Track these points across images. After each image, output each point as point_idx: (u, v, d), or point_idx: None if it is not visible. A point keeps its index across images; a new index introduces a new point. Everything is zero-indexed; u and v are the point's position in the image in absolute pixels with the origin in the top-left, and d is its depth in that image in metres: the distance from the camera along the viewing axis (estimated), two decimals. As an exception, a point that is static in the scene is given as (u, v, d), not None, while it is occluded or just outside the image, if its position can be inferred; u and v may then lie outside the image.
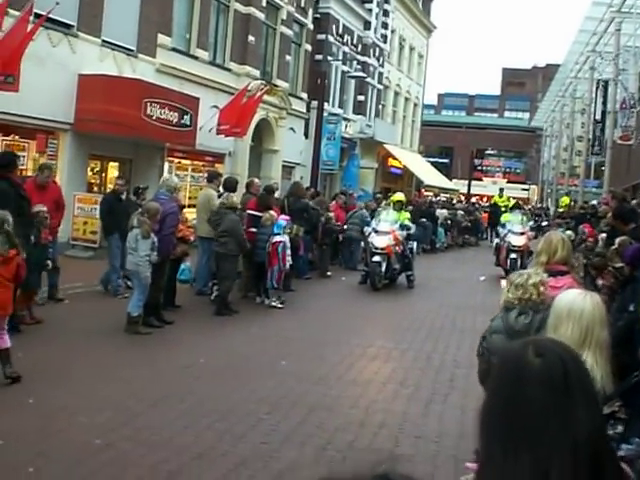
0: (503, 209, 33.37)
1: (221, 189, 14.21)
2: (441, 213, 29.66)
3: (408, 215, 18.80)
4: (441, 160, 71.72)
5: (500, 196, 37.41)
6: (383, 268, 16.41)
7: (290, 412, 7.25)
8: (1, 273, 7.43)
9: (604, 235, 13.50)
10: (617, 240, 8.52)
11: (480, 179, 70.60)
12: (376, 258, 16.36)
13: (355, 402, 7.76)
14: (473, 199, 48.36)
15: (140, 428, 6.47)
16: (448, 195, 48.66)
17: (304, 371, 8.93)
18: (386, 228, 16.76)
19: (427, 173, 49.29)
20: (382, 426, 7.04)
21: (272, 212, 13.68)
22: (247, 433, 6.55)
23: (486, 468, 1.79)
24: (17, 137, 16.95)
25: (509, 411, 1.75)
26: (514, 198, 37.29)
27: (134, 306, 10.25)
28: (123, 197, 13.65)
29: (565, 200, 38.02)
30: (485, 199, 55.58)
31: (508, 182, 77.47)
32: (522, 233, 20.26)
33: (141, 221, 10.16)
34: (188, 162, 23.50)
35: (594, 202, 24.58)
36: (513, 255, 19.55)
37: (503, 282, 17.47)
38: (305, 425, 6.90)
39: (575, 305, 3.65)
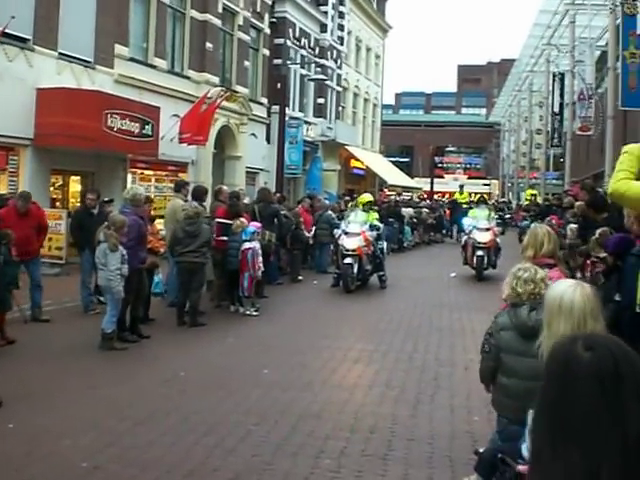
0: (465, 206, 33.59)
1: (189, 198, 14.02)
2: (407, 212, 29.69)
3: (377, 215, 18.80)
4: (402, 159, 72.11)
5: (460, 193, 37.87)
6: (355, 270, 16.31)
7: (279, 422, 7.12)
8: None
9: (573, 226, 13.57)
10: (598, 230, 8.50)
11: (441, 176, 70.92)
12: (347, 260, 16.26)
13: (343, 407, 7.65)
14: (435, 196, 48.52)
15: (127, 448, 6.29)
16: (410, 194, 48.85)
17: (287, 379, 8.79)
18: (356, 229, 16.67)
19: (389, 173, 49.43)
20: (373, 430, 6.93)
21: (243, 219, 13.52)
22: (237, 446, 6.40)
23: (535, 467, 1.76)
24: (-24, 155, 16.63)
25: (558, 407, 1.71)
26: (476, 194, 37.57)
27: (107, 322, 10.04)
28: (94, 211, 13.32)
29: (529, 192, 38.38)
30: (447, 196, 55.82)
31: (469, 178, 78.16)
32: (488, 229, 19.42)
33: (107, 234, 9.94)
34: (151, 172, 23.21)
35: (563, 194, 24.62)
36: (479, 252, 18.81)
37: (452, 274, 17.91)
38: (295, 434, 6.76)
39: (565, 299, 3.55)
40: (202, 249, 12.03)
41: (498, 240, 19.59)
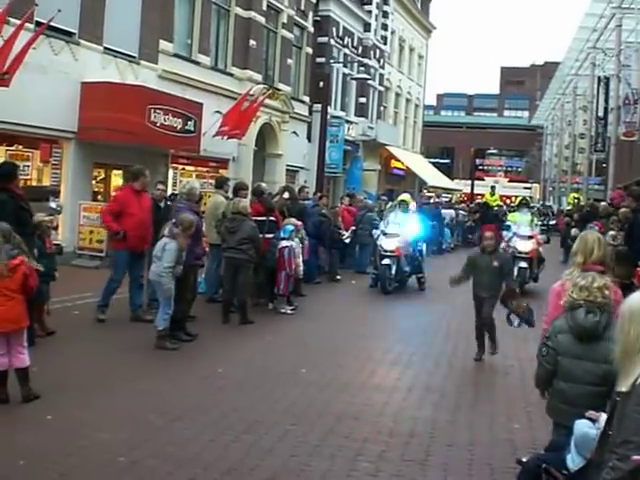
0: (495, 209, 32.41)
1: (230, 194, 13.97)
2: (447, 213, 29.46)
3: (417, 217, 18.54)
4: (442, 161, 71.68)
5: (492, 194, 34.79)
6: (393, 271, 16.14)
7: (316, 422, 7.04)
8: (6, 285, 7.01)
9: (613, 232, 13.37)
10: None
11: (482, 179, 70.37)
12: (385, 261, 16.13)
13: (382, 410, 7.55)
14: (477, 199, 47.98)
15: (165, 443, 6.25)
16: (450, 195, 48.56)
17: (325, 379, 8.72)
18: (394, 230, 16.51)
19: (429, 174, 49.22)
20: (412, 435, 6.83)
21: (293, 219, 13.59)
22: (275, 446, 6.33)
23: None
24: (21, 147, 16.80)
25: None
26: (516, 197, 36.40)
27: (160, 319, 9.82)
28: (162, 205, 12.83)
29: (572, 196, 37.76)
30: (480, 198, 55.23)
31: (510, 181, 77.56)
32: (530, 237, 17.31)
33: (176, 234, 9.74)
34: (192, 168, 23.33)
35: (603, 202, 24.08)
36: (521, 264, 16.56)
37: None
38: (333, 435, 6.68)
39: (635, 307, 3.54)
40: (242, 246, 11.86)
41: (541, 250, 17.76)
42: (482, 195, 57.34)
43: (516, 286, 11.07)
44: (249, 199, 14.17)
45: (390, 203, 21.40)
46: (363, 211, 20.46)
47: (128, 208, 11.28)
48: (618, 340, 3.56)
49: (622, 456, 3.31)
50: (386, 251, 16.17)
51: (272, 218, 13.55)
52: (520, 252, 16.76)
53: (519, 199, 23.36)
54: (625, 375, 3.46)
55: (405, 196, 18.61)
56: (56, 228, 13.21)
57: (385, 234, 16.52)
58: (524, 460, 4.99)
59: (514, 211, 21.07)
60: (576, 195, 38.22)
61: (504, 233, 17.78)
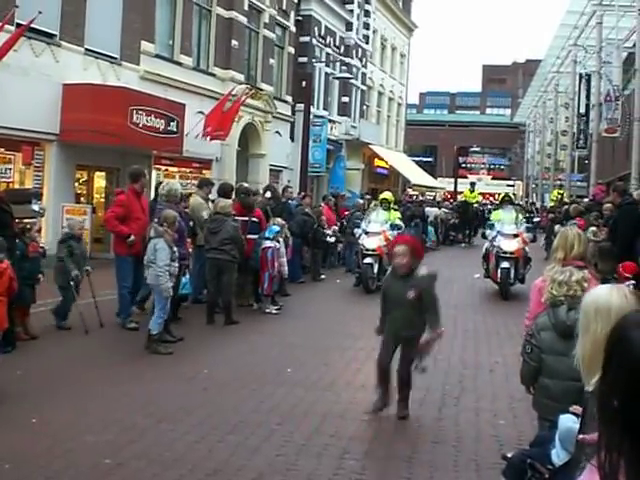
0: (475, 206, 32.37)
1: (211, 196, 13.94)
2: (430, 212, 29.52)
3: (398, 214, 18.48)
4: (426, 159, 71.92)
5: (471, 191, 34.10)
6: (375, 270, 16.04)
7: (302, 421, 7.05)
8: None
9: (594, 229, 13.38)
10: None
11: (465, 176, 70.56)
12: (367, 260, 16.05)
13: (367, 408, 7.54)
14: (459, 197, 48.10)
15: (150, 445, 6.25)
16: (434, 194, 48.67)
17: (311, 378, 8.73)
18: (376, 229, 16.46)
19: (413, 172, 49.32)
20: (397, 432, 6.86)
21: (279, 219, 13.59)
22: (261, 445, 6.34)
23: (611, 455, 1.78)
24: (2, 149, 16.68)
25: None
26: (499, 194, 36.28)
27: (154, 323, 9.66)
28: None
29: (555, 192, 37.82)
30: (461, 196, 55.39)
31: (493, 178, 77.95)
32: (515, 235, 16.25)
33: (160, 231, 9.67)
34: (175, 169, 23.26)
35: (585, 199, 24.13)
36: (505, 264, 15.61)
37: (476, 275, 16.36)
38: (319, 435, 6.69)
39: (601, 302, 3.42)
40: (225, 246, 11.84)
41: (527, 249, 16.66)
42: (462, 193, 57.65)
43: (440, 328, 7.31)
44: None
45: (374, 202, 21.36)
46: (352, 210, 20.44)
47: (133, 212, 11.13)
48: (583, 340, 3.31)
49: (592, 457, 3.30)
50: (368, 250, 16.09)
51: (254, 219, 13.55)
52: (505, 252, 15.74)
53: (502, 196, 22.73)
54: (592, 374, 3.37)
55: (387, 194, 18.54)
56: (39, 231, 13.14)
57: (367, 233, 16.45)
58: (509, 456, 5.01)
59: (497, 209, 20.51)
60: (560, 191, 38.29)
61: (487, 232, 17.42)
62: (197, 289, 13.40)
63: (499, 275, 15.70)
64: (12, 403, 7.17)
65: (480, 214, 34.11)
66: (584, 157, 43.98)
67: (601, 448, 1.86)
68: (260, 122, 27.26)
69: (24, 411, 6.92)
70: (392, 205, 18.29)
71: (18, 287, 8.14)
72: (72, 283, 10.63)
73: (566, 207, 24.00)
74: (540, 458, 4.39)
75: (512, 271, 15.66)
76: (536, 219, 35.77)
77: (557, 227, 20.44)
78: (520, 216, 17.93)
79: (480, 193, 36.20)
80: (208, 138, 22.42)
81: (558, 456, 4.34)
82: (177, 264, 9.85)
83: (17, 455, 5.84)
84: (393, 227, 16.88)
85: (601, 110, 32.27)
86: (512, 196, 17.46)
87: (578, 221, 16.87)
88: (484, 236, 18.50)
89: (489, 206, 33.29)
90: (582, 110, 38.62)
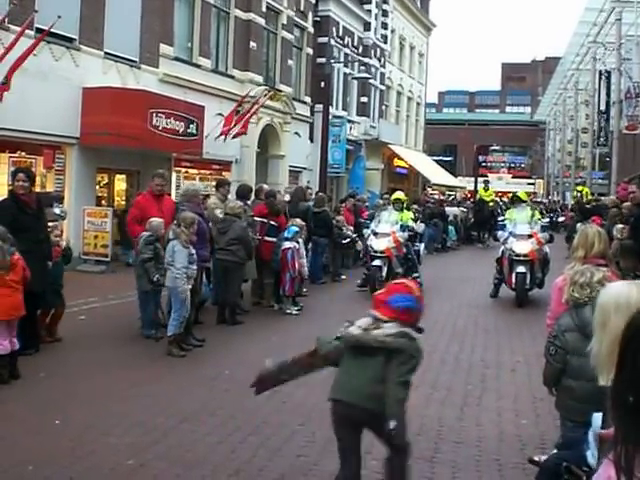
0: (490, 205, 31.58)
1: (229, 197, 13.96)
2: (451, 211, 29.43)
3: (411, 215, 17.44)
4: (445, 158, 71.63)
5: (485, 189, 32.93)
6: (384, 272, 15.39)
7: (324, 422, 6.99)
8: (11, 278, 7.93)
9: (620, 226, 13.19)
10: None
11: (485, 175, 70.23)
12: (376, 262, 15.51)
13: (389, 408, 7.54)
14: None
15: (172, 446, 6.27)
16: (454, 193, 48.50)
17: (332, 378, 8.69)
18: (385, 230, 15.84)
19: (433, 172, 49.15)
20: (420, 432, 6.82)
21: (298, 220, 13.59)
22: (282, 446, 6.35)
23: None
24: (23, 153, 16.84)
25: None
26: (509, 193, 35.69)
27: (170, 325, 9.70)
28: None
29: (579, 189, 37.45)
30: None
31: (513, 177, 77.62)
32: (529, 236, 15.01)
33: (178, 232, 9.69)
34: (195, 171, 23.37)
35: (611, 197, 23.84)
36: (520, 268, 14.51)
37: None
38: (341, 435, 6.67)
39: (621, 297, 3.37)
40: (231, 247, 11.83)
41: (547, 250, 15.46)
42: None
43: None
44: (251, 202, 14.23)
45: (382, 202, 21.06)
46: (372, 210, 20.33)
47: (149, 213, 11.13)
48: (601, 335, 3.27)
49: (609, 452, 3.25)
50: (376, 252, 15.60)
51: (273, 222, 13.58)
52: (518, 254, 14.63)
53: (512, 195, 20.31)
54: (608, 370, 3.30)
55: (399, 194, 17.64)
56: (61, 234, 13.23)
57: (376, 234, 15.93)
58: (536, 459, 4.94)
59: (509, 208, 19.10)
60: (579, 188, 37.98)
61: (499, 233, 16.14)
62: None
63: (514, 280, 14.66)
64: (36, 405, 7.22)
65: (497, 213, 33.77)
66: (605, 154, 43.75)
67: (617, 443, 1.85)
68: (279, 123, 27.30)
69: (47, 413, 6.96)
70: (405, 205, 17.47)
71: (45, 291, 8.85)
72: (152, 287, 10.45)
73: (592, 205, 23.84)
74: (576, 461, 4.26)
75: (528, 275, 14.55)
76: (561, 218, 35.43)
77: (579, 225, 20.28)
78: (536, 215, 16.43)
79: (500, 192, 35.73)
80: (231, 136, 22.52)
81: (594, 456, 4.26)
82: (195, 266, 9.85)
83: (40, 456, 5.87)
84: (404, 228, 16.17)
85: (621, 107, 32.03)
86: (523, 194, 16.15)
87: (594, 220, 16.64)
88: (495, 238, 17.68)
89: (502, 204, 32.45)
90: (602, 107, 38.38)
